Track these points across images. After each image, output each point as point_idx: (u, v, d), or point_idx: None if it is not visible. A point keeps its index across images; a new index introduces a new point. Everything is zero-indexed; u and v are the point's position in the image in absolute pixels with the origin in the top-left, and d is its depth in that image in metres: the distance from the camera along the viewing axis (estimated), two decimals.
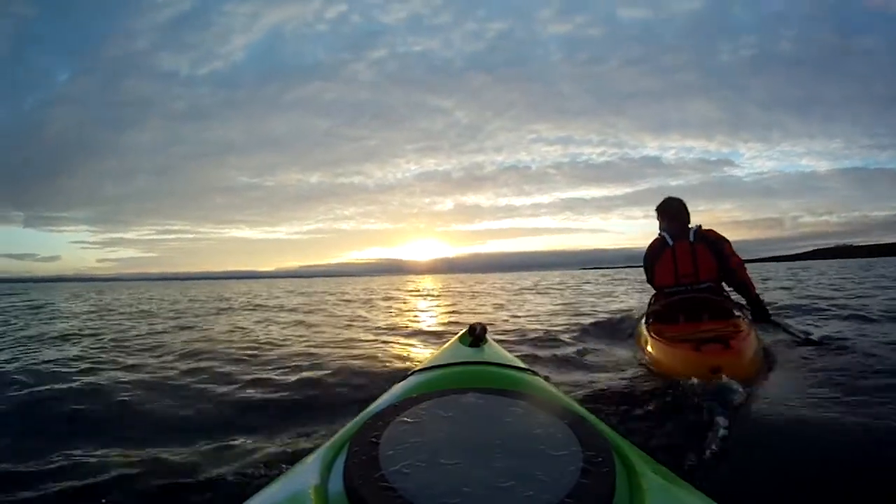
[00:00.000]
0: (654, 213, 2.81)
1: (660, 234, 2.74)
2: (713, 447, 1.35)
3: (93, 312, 7.92)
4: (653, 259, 2.70)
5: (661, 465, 0.56)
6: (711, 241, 2.59)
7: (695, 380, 1.79)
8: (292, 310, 7.69)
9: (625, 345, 3.15)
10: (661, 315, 2.63)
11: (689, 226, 2.69)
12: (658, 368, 2.21)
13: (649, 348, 2.38)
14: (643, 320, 2.78)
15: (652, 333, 2.41)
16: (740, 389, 1.69)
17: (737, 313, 2.51)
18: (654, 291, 2.85)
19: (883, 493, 1.18)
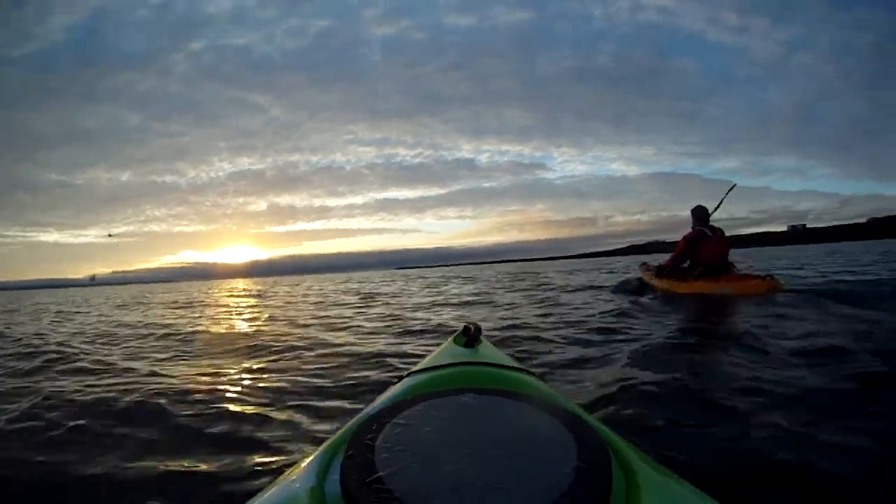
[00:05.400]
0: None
1: (699, 228, 4.92)
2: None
3: None
4: (698, 243, 4.84)
5: (659, 463, 0.56)
6: (725, 235, 4.91)
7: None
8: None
9: None
10: (702, 274, 4.79)
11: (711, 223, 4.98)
12: (738, 293, 4.39)
13: (720, 284, 4.60)
14: (666, 277, 5.26)
15: (712, 279, 4.69)
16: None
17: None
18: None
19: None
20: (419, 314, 5.44)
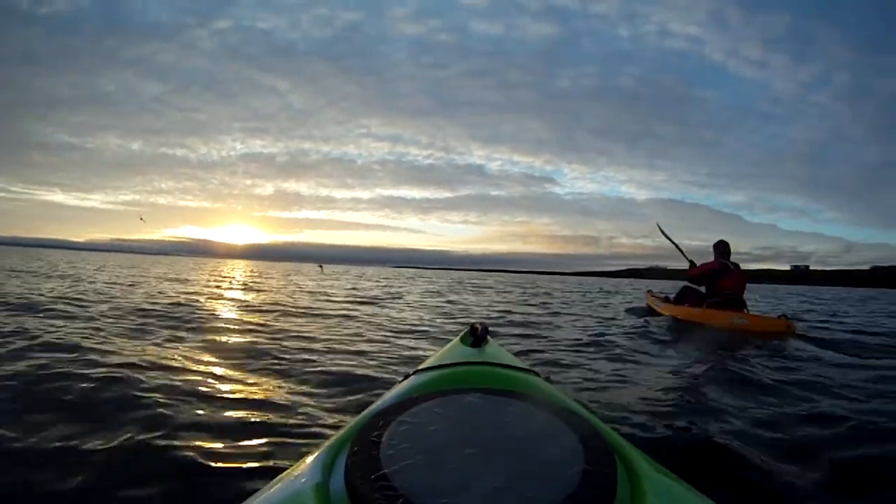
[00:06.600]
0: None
1: (720, 261, 5.12)
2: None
3: None
4: (719, 275, 5.04)
5: (663, 467, 0.56)
6: (742, 270, 5.19)
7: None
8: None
9: None
10: (718, 304, 4.96)
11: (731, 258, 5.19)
12: (751, 329, 4.43)
13: (732, 318, 4.65)
14: (681, 304, 5.53)
15: (729, 310, 4.82)
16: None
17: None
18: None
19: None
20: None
